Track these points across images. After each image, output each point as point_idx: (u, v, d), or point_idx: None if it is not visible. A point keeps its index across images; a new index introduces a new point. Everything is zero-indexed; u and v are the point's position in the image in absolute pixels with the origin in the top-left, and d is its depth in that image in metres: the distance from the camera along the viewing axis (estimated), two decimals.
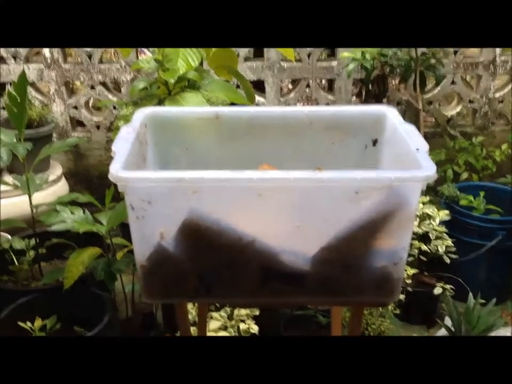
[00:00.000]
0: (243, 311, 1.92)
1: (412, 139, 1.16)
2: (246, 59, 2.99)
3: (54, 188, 2.66)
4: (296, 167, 1.09)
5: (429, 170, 1.02)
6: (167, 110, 1.42)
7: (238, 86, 2.42)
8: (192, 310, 1.93)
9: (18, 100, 1.81)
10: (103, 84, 3.03)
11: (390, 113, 1.31)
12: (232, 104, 1.84)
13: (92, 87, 3.04)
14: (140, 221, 1.07)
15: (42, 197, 2.33)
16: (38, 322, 1.80)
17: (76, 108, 3.09)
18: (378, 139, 1.35)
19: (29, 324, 1.79)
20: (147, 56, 2.30)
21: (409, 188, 1.05)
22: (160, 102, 1.78)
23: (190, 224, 1.07)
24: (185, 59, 1.65)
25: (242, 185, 1.03)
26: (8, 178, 2.30)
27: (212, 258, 1.11)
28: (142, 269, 1.12)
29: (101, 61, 2.99)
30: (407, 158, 1.13)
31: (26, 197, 2.07)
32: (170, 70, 1.64)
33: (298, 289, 1.15)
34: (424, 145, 1.13)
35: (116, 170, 1.02)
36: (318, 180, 1.01)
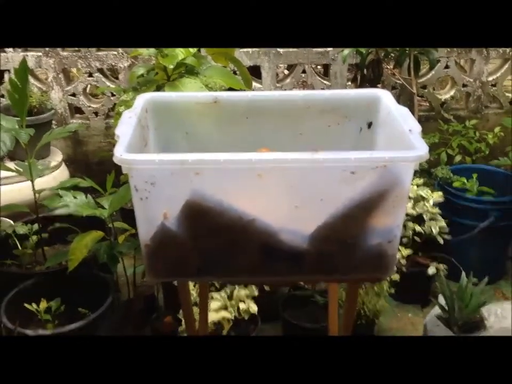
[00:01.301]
0: (243, 292, 1.96)
1: (405, 121, 1.21)
2: None
3: (54, 173, 2.69)
4: (294, 149, 1.13)
5: (421, 150, 1.07)
6: (166, 95, 1.46)
7: (235, 72, 2.45)
8: (193, 291, 1.98)
9: (20, 86, 1.84)
10: (101, 71, 3.05)
11: (384, 96, 1.35)
12: (231, 89, 1.87)
13: (90, 74, 3.06)
14: (143, 202, 1.11)
15: (43, 182, 2.37)
16: (43, 304, 1.85)
17: (74, 95, 3.11)
18: (373, 121, 1.39)
19: (34, 305, 1.84)
20: None
21: (403, 168, 1.09)
22: (159, 88, 1.81)
23: (193, 204, 1.11)
24: None
25: (242, 167, 1.08)
26: (9, 165, 2.32)
27: (213, 237, 1.16)
28: (146, 248, 1.16)
29: (98, 48, 3.01)
30: (400, 139, 1.17)
31: (27, 183, 2.10)
32: (169, 55, 1.68)
33: (296, 267, 1.19)
34: (417, 127, 1.17)
35: (120, 153, 1.07)
36: (315, 161, 1.06)
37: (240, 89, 1.88)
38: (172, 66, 1.68)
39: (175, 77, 1.80)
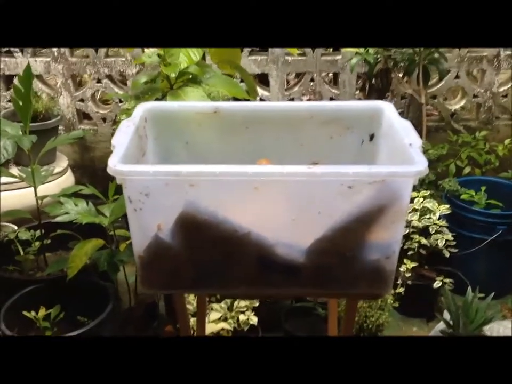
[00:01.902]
0: (243, 303, 1.95)
1: (406, 134, 1.18)
2: (251, 52, 3.01)
3: (59, 180, 2.69)
4: (295, 161, 1.11)
5: (420, 165, 1.05)
6: (167, 104, 1.45)
7: (242, 81, 2.44)
8: (193, 301, 1.96)
9: (24, 92, 1.84)
10: (109, 77, 3.06)
11: (387, 109, 1.33)
12: (236, 99, 1.86)
13: (98, 80, 3.07)
14: (137, 213, 1.10)
15: (48, 188, 2.37)
16: (42, 312, 1.84)
17: (82, 100, 3.12)
18: (375, 134, 1.37)
19: (33, 313, 1.83)
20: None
21: (401, 183, 1.07)
22: (164, 96, 1.80)
23: (187, 216, 1.10)
24: (187, 53, 1.67)
25: (238, 179, 1.06)
26: (14, 170, 2.33)
27: (208, 250, 1.14)
28: (139, 259, 1.15)
29: (107, 55, 3.02)
30: (401, 153, 1.15)
31: (32, 189, 2.10)
32: (172, 64, 1.67)
33: (292, 281, 1.17)
34: (418, 141, 1.15)
35: (114, 164, 1.06)
36: (311, 174, 1.04)
37: (245, 99, 1.87)
38: (174, 75, 1.67)
39: (178, 86, 1.79)
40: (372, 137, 1.38)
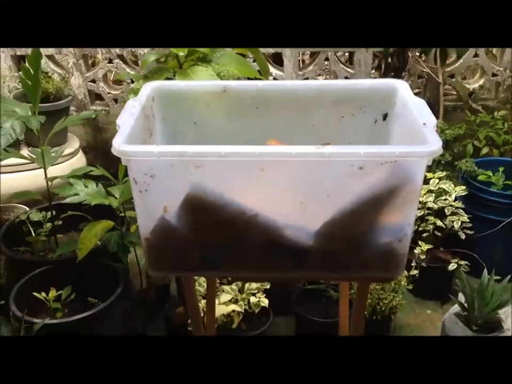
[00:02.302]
0: (254, 285, 1.93)
1: (420, 113, 1.14)
2: None
3: (71, 161, 2.68)
4: (305, 141, 1.08)
5: (434, 145, 1.01)
6: (174, 83, 1.42)
7: (255, 61, 2.39)
8: (204, 283, 1.95)
9: (32, 73, 1.82)
10: (121, 57, 3.03)
11: (401, 87, 1.29)
12: (249, 78, 1.82)
13: (110, 61, 3.04)
14: (143, 195, 1.08)
15: (60, 169, 2.37)
16: (53, 293, 1.84)
17: (94, 81, 3.09)
18: (389, 113, 1.33)
19: (43, 294, 1.83)
20: None
21: (414, 163, 1.04)
22: (174, 76, 1.77)
23: (193, 198, 1.07)
24: None
25: (244, 160, 1.03)
26: (25, 151, 2.32)
27: (215, 232, 1.12)
28: (146, 242, 1.13)
29: None
30: (415, 133, 1.11)
31: (42, 170, 2.09)
32: None
33: (301, 264, 1.15)
34: (432, 120, 1.11)
35: (118, 144, 1.03)
36: (320, 155, 1.00)
37: (256, 79, 1.83)
38: (182, 54, 1.64)
39: (188, 65, 1.75)
40: (385, 116, 1.34)
